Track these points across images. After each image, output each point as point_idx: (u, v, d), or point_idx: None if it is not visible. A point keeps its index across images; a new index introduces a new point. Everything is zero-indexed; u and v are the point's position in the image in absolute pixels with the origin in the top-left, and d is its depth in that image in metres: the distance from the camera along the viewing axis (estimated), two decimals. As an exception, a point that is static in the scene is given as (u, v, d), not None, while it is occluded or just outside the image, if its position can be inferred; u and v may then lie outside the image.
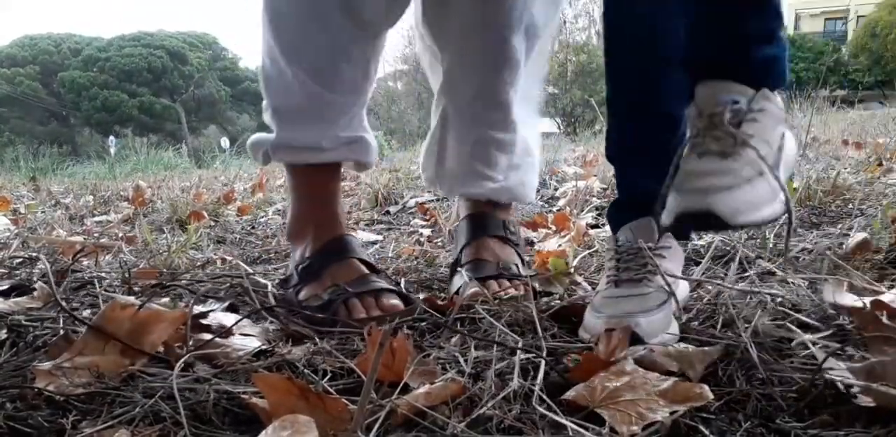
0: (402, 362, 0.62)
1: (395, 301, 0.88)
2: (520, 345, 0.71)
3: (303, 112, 0.99)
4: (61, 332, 0.76)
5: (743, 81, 0.76)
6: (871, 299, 0.72)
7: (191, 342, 0.75)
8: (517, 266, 1.05)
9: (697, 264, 1.11)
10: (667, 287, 0.79)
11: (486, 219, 1.10)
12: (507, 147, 1.09)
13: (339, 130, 1.00)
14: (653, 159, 0.85)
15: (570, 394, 0.60)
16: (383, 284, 0.91)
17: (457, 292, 0.97)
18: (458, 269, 1.04)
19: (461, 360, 0.68)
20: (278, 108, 1.00)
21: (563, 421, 0.54)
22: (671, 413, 0.55)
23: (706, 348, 0.66)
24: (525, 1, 1.00)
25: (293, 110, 0.99)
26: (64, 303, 0.93)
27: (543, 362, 0.65)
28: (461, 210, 1.18)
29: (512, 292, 0.95)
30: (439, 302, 0.94)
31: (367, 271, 0.95)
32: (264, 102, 1.03)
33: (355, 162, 1.04)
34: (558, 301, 0.95)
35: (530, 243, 1.51)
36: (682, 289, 0.89)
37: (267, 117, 1.03)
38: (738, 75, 0.76)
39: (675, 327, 0.77)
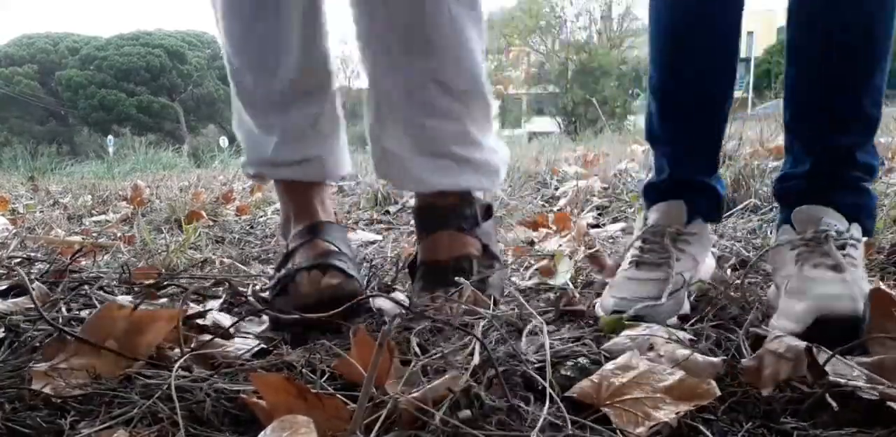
0: (386, 362, 0.61)
1: (335, 281, 0.86)
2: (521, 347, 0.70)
3: (257, 126, 1.00)
4: (55, 334, 0.75)
5: (840, 210, 0.82)
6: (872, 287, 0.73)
7: (192, 343, 0.75)
8: (473, 261, 0.95)
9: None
10: (683, 274, 0.85)
11: (433, 211, 0.98)
12: (452, 137, 0.96)
13: (291, 147, 0.98)
14: (693, 142, 0.94)
15: (575, 391, 0.59)
16: (334, 260, 0.89)
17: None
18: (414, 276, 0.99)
19: (462, 357, 0.68)
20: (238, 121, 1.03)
21: (566, 422, 0.54)
22: (676, 413, 0.55)
23: (714, 360, 0.65)
24: None
25: (247, 126, 1.01)
26: (63, 306, 0.92)
27: (549, 361, 0.64)
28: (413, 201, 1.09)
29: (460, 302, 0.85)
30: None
31: (329, 249, 0.93)
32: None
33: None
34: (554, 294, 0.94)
35: (530, 243, 1.50)
36: (708, 266, 0.97)
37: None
38: (837, 204, 0.82)
39: (686, 308, 0.84)
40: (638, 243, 0.90)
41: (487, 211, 1.01)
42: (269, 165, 1.01)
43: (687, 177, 0.93)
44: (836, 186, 0.84)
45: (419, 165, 0.95)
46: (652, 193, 0.96)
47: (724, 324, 0.79)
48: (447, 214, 0.96)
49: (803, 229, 0.81)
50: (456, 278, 0.86)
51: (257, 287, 1.08)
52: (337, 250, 0.93)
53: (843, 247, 0.78)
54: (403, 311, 0.82)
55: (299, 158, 1.00)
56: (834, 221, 0.81)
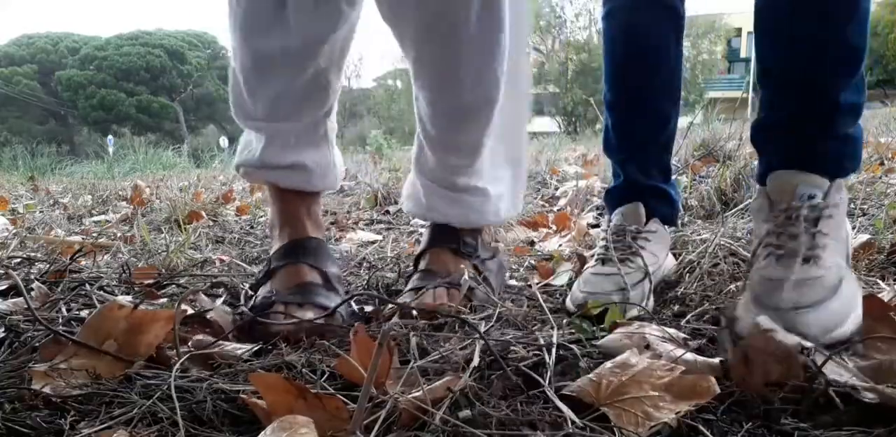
0: (386, 362, 0.61)
1: (310, 314, 0.85)
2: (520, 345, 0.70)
3: (252, 125, 1.00)
4: (53, 334, 0.75)
5: (819, 171, 0.76)
6: (866, 293, 0.73)
7: (190, 343, 0.74)
8: (466, 278, 1.00)
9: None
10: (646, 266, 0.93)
11: (443, 231, 1.06)
12: (464, 172, 1.03)
13: (281, 151, 0.98)
14: (643, 152, 1.05)
15: (574, 389, 0.59)
16: (313, 296, 0.88)
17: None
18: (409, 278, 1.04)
19: (461, 356, 0.68)
20: (236, 115, 1.02)
21: (566, 422, 0.54)
22: (677, 413, 0.55)
23: (712, 361, 0.64)
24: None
25: (243, 121, 1.01)
26: (63, 306, 0.92)
27: (547, 358, 0.64)
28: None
29: (445, 301, 0.91)
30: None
31: (309, 278, 0.92)
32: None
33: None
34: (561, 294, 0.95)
35: (531, 243, 1.50)
36: (669, 262, 1.04)
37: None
38: (817, 164, 0.76)
39: (650, 303, 0.90)
40: (602, 243, 0.99)
41: (493, 254, 1.08)
42: (256, 166, 1.00)
43: (640, 182, 1.04)
44: (818, 134, 0.77)
45: (434, 195, 1.04)
46: (612, 199, 1.07)
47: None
48: (452, 237, 1.04)
49: (778, 199, 0.77)
50: (454, 276, 0.94)
51: (250, 294, 1.07)
52: (323, 277, 0.93)
53: (816, 222, 0.73)
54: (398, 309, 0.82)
55: (287, 164, 0.99)
56: (811, 187, 0.75)
